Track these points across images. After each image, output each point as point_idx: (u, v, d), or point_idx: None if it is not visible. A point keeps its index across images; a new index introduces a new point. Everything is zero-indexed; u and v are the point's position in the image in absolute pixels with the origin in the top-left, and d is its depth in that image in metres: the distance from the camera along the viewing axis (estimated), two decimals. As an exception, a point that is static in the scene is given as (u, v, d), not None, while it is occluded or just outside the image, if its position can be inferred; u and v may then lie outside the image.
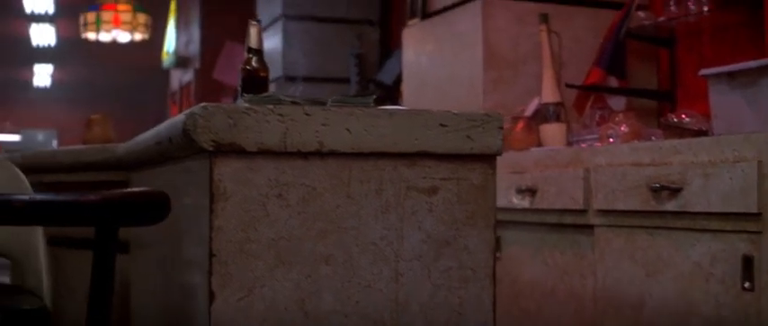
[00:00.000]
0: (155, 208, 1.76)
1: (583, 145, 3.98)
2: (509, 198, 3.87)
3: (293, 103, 2.20)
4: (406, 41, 5.30)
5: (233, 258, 2.06)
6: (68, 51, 15.05)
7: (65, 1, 11.82)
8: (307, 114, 2.12)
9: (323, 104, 2.25)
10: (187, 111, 2.09)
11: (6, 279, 2.95)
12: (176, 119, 2.18)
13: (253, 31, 2.79)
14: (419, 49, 5.12)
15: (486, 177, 2.26)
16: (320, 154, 2.13)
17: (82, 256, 2.29)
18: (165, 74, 13.83)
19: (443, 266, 2.23)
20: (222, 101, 8.89)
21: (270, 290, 2.09)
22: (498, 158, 2.23)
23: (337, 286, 2.14)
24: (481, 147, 2.25)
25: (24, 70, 19.31)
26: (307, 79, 6.99)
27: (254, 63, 2.75)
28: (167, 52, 12.64)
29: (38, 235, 2.81)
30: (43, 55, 17.01)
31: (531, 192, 3.74)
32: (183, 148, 2.17)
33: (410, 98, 5.17)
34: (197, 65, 11.25)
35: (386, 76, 6.60)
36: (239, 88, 2.74)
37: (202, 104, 2.07)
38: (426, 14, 5.06)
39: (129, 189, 1.79)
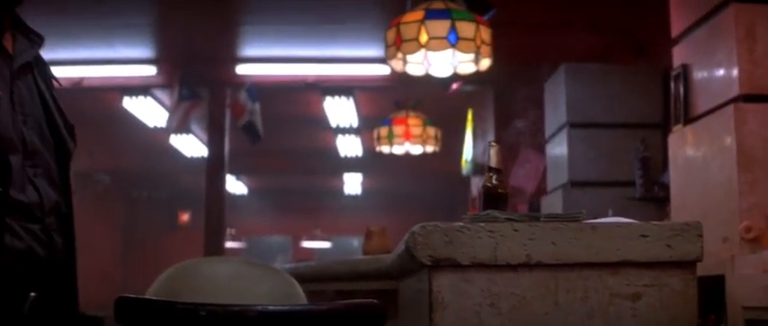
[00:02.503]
0: (370, 318, 2.06)
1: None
2: (760, 297, 3.92)
3: (507, 219, 2.45)
4: (671, 146, 5.44)
5: (452, 362, 2.31)
6: (374, 161, 15.78)
7: (366, 115, 12.53)
8: (515, 230, 2.37)
9: (537, 219, 2.48)
10: (411, 229, 2.38)
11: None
12: (405, 237, 2.47)
13: (492, 152, 3.04)
14: (682, 153, 5.24)
15: (687, 283, 2.42)
16: (528, 266, 2.36)
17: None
18: (466, 181, 14.26)
19: (648, 367, 2.39)
20: (518, 207, 9.10)
21: (486, 391, 2.32)
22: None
23: (548, 387, 2.34)
24: (681, 254, 2.41)
25: (333, 179, 20.35)
26: (592, 184, 7.13)
27: (494, 181, 3.00)
28: (466, 160, 13.07)
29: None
30: (351, 165, 17.89)
31: (783, 291, 3.79)
32: (409, 262, 2.46)
33: (677, 200, 5.28)
34: (494, 172, 11.50)
35: (669, 178, 6.66)
36: (479, 204, 2.99)
37: (422, 224, 2.36)
38: (687, 120, 5.19)
39: (352, 300, 2.09)
